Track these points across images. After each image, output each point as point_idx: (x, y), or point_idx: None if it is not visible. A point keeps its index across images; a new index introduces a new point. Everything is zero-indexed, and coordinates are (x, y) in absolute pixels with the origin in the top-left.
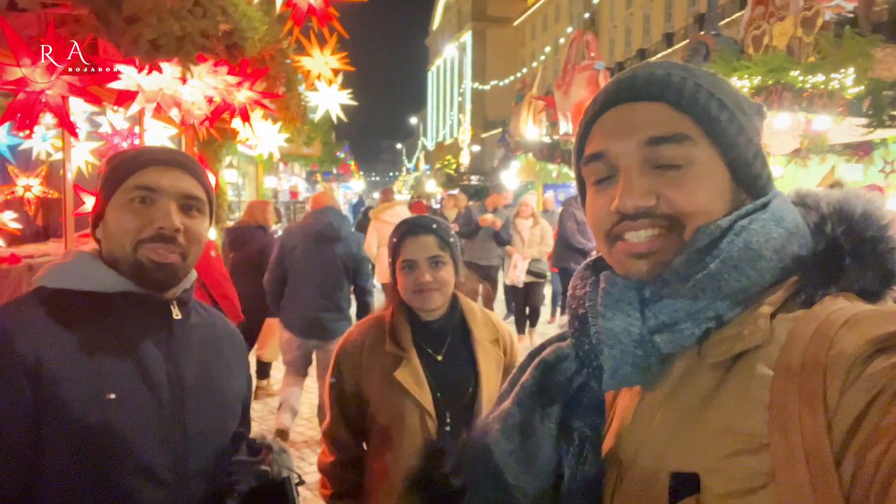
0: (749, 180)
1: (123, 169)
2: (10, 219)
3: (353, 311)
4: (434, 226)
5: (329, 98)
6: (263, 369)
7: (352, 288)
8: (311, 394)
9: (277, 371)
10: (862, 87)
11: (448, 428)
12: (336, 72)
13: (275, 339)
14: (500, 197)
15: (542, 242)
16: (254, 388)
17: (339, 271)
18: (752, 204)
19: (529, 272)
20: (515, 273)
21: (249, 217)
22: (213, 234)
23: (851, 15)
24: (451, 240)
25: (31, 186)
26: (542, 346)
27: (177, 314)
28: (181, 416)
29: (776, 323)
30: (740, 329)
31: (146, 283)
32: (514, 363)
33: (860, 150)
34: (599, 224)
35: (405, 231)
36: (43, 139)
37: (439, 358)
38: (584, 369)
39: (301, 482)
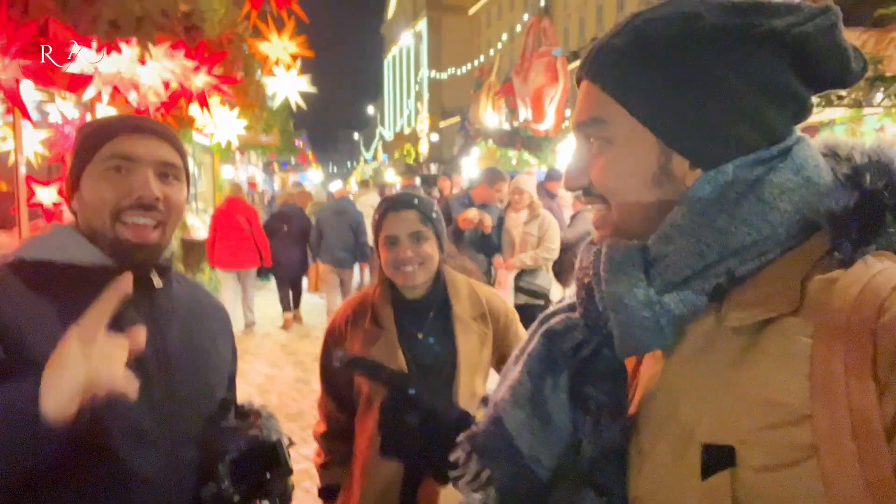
0: (755, 137)
1: (97, 137)
2: None
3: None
4: (415, 201)
5: (287, 84)
6: (297, 301)
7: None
8: (292, 368)
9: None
10: None
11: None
12: (295, 57)
13: (317, 279)
14: (492, 189)
15: (541, 246)
16: (291, 316)
17: (348, 230)
18: (766, 150)
19: (520, 290)
20: (502, 292)
21: (294, 200)
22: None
23: None
24: (434, 215)
25: None
26: (552, 314)
27: (158, 283)
28: (168, 381)
29: (811, 284)
30: (762, 291)
31: (125, 263)
32: (508, 337)
33: (806, 133)
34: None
35: (387, 207)
36: None
37: (420, 335)
38: (595, 337)
39: (291, 443)
